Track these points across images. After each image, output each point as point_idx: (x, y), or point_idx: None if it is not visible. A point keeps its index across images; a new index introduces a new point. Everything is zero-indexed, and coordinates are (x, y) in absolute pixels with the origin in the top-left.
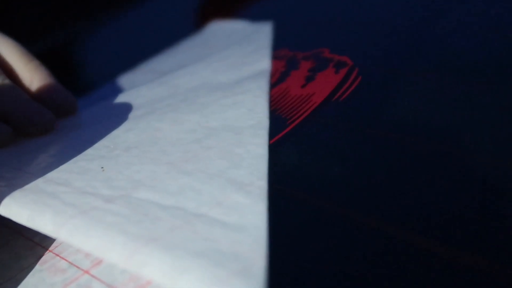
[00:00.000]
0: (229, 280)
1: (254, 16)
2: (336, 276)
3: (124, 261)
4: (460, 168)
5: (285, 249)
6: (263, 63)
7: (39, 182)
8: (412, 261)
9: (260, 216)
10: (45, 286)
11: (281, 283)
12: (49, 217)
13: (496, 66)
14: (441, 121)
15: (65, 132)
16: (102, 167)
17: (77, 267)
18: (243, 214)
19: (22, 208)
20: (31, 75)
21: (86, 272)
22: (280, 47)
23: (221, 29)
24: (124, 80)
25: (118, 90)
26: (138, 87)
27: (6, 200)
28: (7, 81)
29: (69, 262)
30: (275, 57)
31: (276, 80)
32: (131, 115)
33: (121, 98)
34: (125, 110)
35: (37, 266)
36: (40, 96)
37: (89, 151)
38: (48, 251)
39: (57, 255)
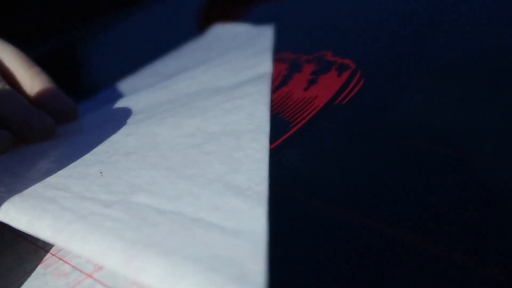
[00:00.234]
0: (226, 285)
1: (257, 19)
2: (337, 281)
3: (122, 267)
4: (463, 170)
5: (287, 253)
6: (264, 66)
7: (38, 187)
8: (416, 264)
9: (258, 221)
10: None
11: None
12: (47, 222)
13: (500, 69)
14: (444, 124)
15: (65, 137)
16: (101, 172)
17: (80, 271)
18: (241, 219)
19: (21, 213)
20: (32, 81)
21: (89, 276)
22: (283, 50)
23: (224, 32)
24: (127, 83)
25: (119, 95)
26: (138, 92)
27: (5, 206)
28: (7, 87)
29: (72, 266)
30: (278, 60)
31: (279, 83)
32: (131, 120)
33: (121, 103)
34: (125, 115)
35: (41, 270)
36: (41, 102)
37: (89, 157)
38: (51, 255)
39: (61, 259)
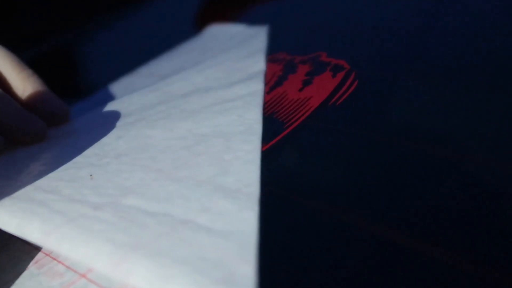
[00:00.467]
0: (214, 287)
1: (253, 19)
2: (329, 283)
3: (111, 270)
4: (458, 171)
5: (277, 255)
6: (257, 68)
7: (28, 190)
8: (412, 266)
9: (247, 223)
10: None
11: None
12: (37, 225)
13: (494, 70)
14: (438, 125)
15: (57, 140)
16: (91, 175)
17: (74, 271)
18: (229, 220)
19: (11, 216)
20: (24, 84)
21: (83, 276)
22: (278, 50)
23: (219, 32)
24: (122, 84)
25: (112, 96)
26: (130, 94)
27: None
28: None
29: (66, 266)
30: (273, 60)
31: (274, 84)
32: (122, 123)
33: (113, 106)
34: (116, 117)
35: (35, 270)
36: (33, 105)
37: (79, 159)
38: (45, 255)
39: (55, 259)
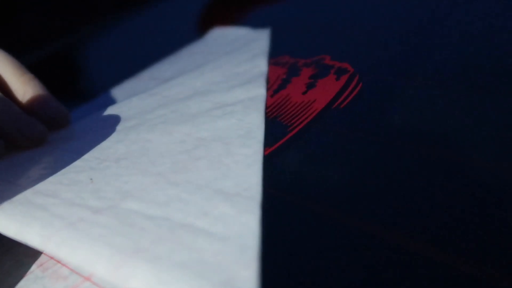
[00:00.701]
0: None
1: (256, 22)
2: (332, 287)
3: (111, 274)
4: (461, 174)
5: (278, 258)
6: (258, 71)
7: (28, 194)
8: (416, 268)
9: (246, 227)
10: None
11: None
12: (36, 229)
13: (497, 72)
14: (441, 128)
15: (57, 144)
16: (91, 179)
17: (78, 274)
18: (228, 224)
19: (10, 220)
20: (24, 88)
21: (87, 279)
22: (282, 53)
23: (222, 35)
24: (124, 87)
25: (112, 100)
26: (130, 98)
27: None
28: None
29: (71, 269)
30: (276, 63)
31: (277, 87)
32: (122, 127)
33: (113, 109)
34: (116, 121)
35: (39, 273)
36: (33, 109)
37: (79, 163)
38: (49, 258)
39: (59, 262)
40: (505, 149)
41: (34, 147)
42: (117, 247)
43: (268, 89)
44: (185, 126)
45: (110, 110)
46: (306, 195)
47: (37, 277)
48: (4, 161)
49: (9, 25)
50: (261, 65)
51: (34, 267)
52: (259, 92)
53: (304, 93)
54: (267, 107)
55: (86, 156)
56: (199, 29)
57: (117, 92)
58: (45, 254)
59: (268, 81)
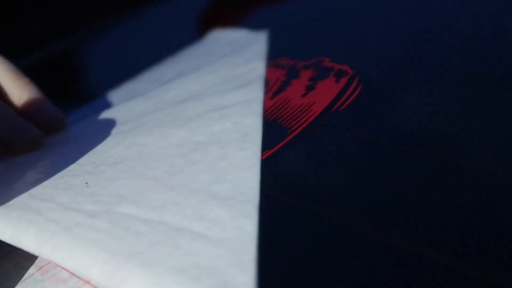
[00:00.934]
0: None
1: (256, 24)
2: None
3: (106, 279)
4: (461, 175)
5: (276, 261)
6: (255, 74)
7: (23, 198)
8: (414, 270)
9: (241, 230)
10: None
11: None
12: (32, 234)
13: (498, 74)
14: (442, 130)
15: (53, 148)
16: (87, 183)
17: (78, 277)
18: (224, 228)
19: (6, 225)
20: (20, 92)
21: (87, 282)
22: (281, 55)
23: (222, 38)
24: (124, 90)
25: (110, 103)
26: (127, 102)
27: None
28: None
29: (70, 272)
30: (276, 66)
31: (277, 89)
32: (118, 130)
33: (109, 113)
34: (112, 125)
35: (39, 276)
36: (29, 112)
37: (75, 167)
38: (49, 261)
39: (58, 265)
40: (505, 151)
41: (30, 151)
42: (112, 251)
43: (267, 92)
44: (181, 129)
45: (106, 114)
46: (306, 197)
47: (36, 280)
48: (0, 165)
49: (7, 27)
50: (258, 68)
51: (33, 270)
52: (256, 95)
53: (304, 95)
54: (266, 110)
55: (82, 160)
56: (199, 31)
57: (115, 94)
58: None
59: (266, 84)
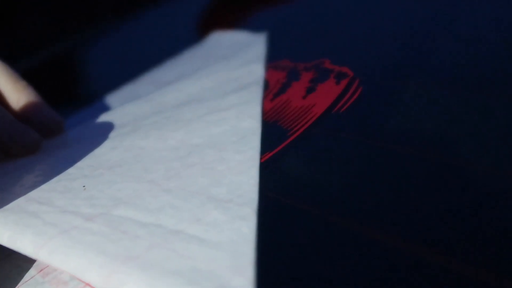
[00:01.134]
0: None
1: (256, 26)
2: None
3: (103, 282)
4: (461, 177)
5: (274, 263)
6: (254, 76)
7: (21, 202)
8: (414, 272)
9: (238, 233)
10: None
11: None
12: (29, 237)
13: (499, 77)
14: (442, 132)
15: (51, 151)
16: (84, 186)
17: (79, 279)
18: (221, 231)
19: (3, 228)
20: (18, 96)
21: (88, 284)
22: (281, 57)
23: (222, 40)
24: (124, 92)
25: (109, 106)
26: (124, 105)
27: None
28: None
29: (71, 275)
30: (276, 68)
31: (277, 91)
32: (116, 133)
33: (107, 116)
34: (110, 128)
35: (39, 279)
36: (27, 116)
37: (73, 170)
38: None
39: (59, 268)
40: (505, 154)
41: (27, 154)
42: (109, 254)
43: (267, 94)
44: (179, 132)
45: (104, 117)
46: (306, 199)
47: (37, 282)
48: None
49: (6, 30)
50: (258, 70)
51: (34, 272)
52: (254, 97)
53: (304, 97)
54: (267, 111)
55: (80, 164)
56: (199, 33)
57: (115, 97)
58: None
59: (267, 86)
